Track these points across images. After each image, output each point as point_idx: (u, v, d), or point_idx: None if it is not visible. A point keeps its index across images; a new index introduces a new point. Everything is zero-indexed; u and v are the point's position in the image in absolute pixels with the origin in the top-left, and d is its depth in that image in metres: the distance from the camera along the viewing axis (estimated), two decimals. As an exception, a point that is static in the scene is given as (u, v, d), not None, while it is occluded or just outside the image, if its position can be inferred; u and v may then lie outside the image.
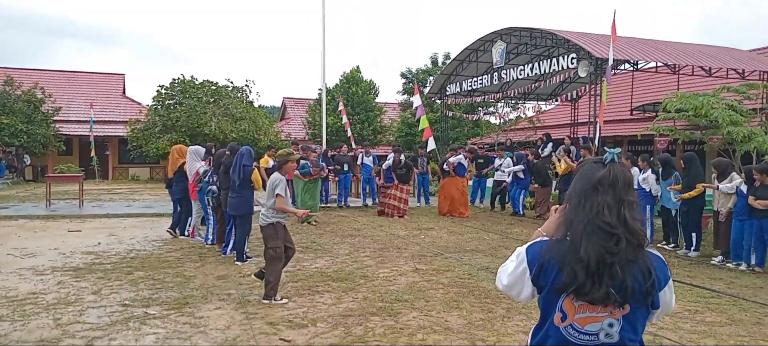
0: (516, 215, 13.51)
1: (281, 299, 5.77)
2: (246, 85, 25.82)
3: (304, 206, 10.72)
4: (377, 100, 27.81)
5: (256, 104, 26.68)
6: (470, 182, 15.35)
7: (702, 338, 4.89)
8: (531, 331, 1.94)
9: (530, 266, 1.80)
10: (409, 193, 13.05)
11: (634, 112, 19.27)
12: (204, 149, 9.36)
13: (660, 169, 9.69)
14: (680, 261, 8.53)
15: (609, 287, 1.65)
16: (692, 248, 8.97)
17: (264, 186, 11.35)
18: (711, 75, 14.57)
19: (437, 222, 12.05)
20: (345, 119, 20.30)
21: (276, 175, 5.94)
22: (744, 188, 7.94)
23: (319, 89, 21.71)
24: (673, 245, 9.52)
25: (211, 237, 8.79)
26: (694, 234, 8.98)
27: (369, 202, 14.94)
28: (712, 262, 8.39)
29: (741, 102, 10.72)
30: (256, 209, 12.21)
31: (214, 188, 8.37)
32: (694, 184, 8.75)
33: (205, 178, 8.61)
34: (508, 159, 14.34)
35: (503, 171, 14.15)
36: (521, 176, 13.59)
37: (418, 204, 15.21)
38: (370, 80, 27.74)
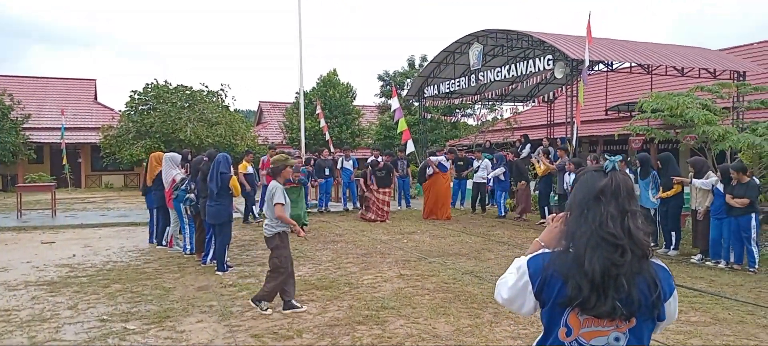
0: (500, 217, 13.58)
1: (267, 309, 5.64)
2: (221, 89, 25.50)
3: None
4: (355, 102, 27.72)
5: (231, 109, 26.35)
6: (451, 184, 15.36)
7: (688, 338, 4.92)
8: (534, 345, 1.88)
9: (532, 280, 1.75)
10: (390, 196, 12.98)
11: (608, 112, 19.53)
12: (180, 156, 9.16)
13: (638, 169, 9.80)
14: (661, 260, 8.62)
15: (615, 300, 1.61)
16: (672, 247, 9.10)
17: (244, 192, 11.28)
18: (683, 74, 14.84)
19: (419, 226, 12.01)
20: (323, 123, 20.16)
21: (273, 183, 5.73)
22: (720, 187, 8.08)
23: (296, 93, 21.59)
24: (653, 244, 9.61)
25: (189, 246, 8.60)
26: (673, 233, 9.11)
27: (350, 206, 14.84)
28: (692, 260, 8.51)
29: (714, 101, 10.92)
30: (235, 216, 12.02)
31: (192, 196, 8.20)
32: (671, 183, 8.88)
33: (181, 186, 8.42)
34: (487, 160, 14.39)
35: (484, 176, 14.18)
36: (502, 178, 13.65)
37: (399, 208, 15.17)
38: (348, 83, 27.66)
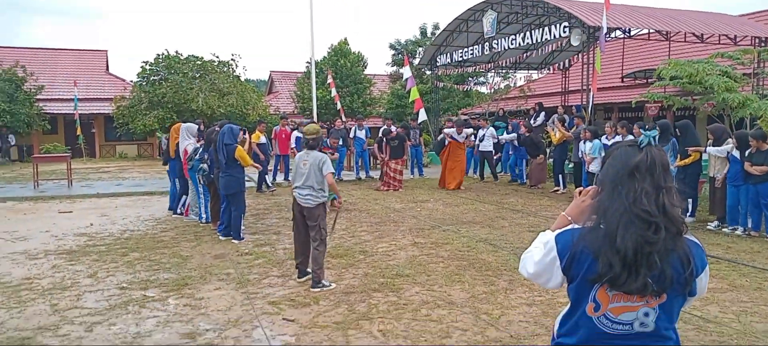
0: (515, 182, 13.58)
1: (331, 284, 5.52)
2: (232, 59, 25.41)
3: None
4: (366, 72, 27.50)
5: (242, 78, 26.27)
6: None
7: (705, 305, 4.90)
8: (558, 318, 1.86)
9: (561, 256, 1.72)
10: (403, 165, 12.95)
11: (624, 80, 19.23)
12: (196, 127, 9.20)
13: (658, 136, 9.67)
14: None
15: (646, 277, 1.58)
16: (688, 214, 9.01)
17: (257, 160, 11.26)
18: (703, 41, 14.52)
19: (432, 194, 12.00)
20: (334, 92, 20.07)
21: (318, 153, 5.56)
22: (736, 154, 7.95)
23: (307, 62, 21.45)
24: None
25: (204, 215, 8.68)
26: (690, 200, 9.01)
27: (362, 175, 14.85)
28: (709, 227, 8.44)
29: (734, 68, 10.69)
30: (249, 185, 12.07)
31: (205, 166, 8.23)
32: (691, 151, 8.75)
33: (195, 156, 8.45)
34: (491, 129, 14.31)
35: (489, 145, 14.07)
36: (517, 143, 13.58)
37: (412, 176, 15.15)
38: (359, 52, 27.39)
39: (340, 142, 14.06)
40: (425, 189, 12.87)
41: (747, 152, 7.75)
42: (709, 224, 8.56)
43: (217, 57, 25.12)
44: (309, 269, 5.68)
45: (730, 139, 8.39)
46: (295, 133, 12.93)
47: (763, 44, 12.83)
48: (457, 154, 12.95)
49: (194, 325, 4.57)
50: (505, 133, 14.86)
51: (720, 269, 6.05)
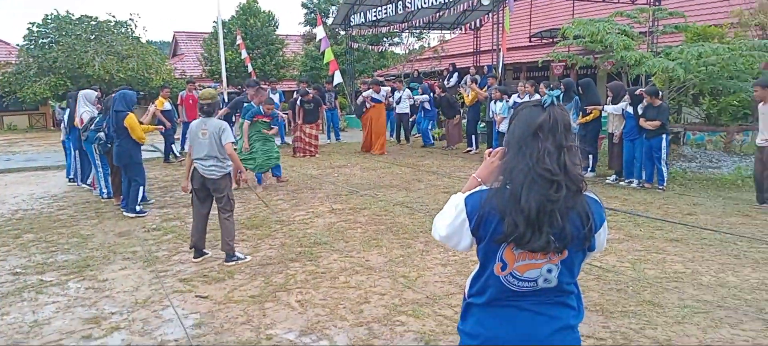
0: (426, 146, 13.69)
1: (247, 257, 5.33)
2: (130, 18, 23.71)
3: (264, 160, 8.65)
4: (278, 32, 26.60)
5: (143, 40, 24.65)
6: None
7: (605, 255, 5.23)
8: (469, 279, 1.89)
9: (470, 218, 1.74)
10: (318, 130, 12.75)
11: (532, 39, 19.89)
12: (95, 94, 8.52)
13: (562, 94, 10.10)
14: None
15: (549, 235, 1.63)
16: (589, 169, 9.57)
17: (168, 126, 10.61)
18: (605, 0, 15.22)
19: (350, 159, 11.95)
20: (244, 54, 19.29)
21: (216, 121, 5.23)
22: (631, 110, 8.48)
23: (214, 22, 20.37)
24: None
25: (106, 190, 8.13)
26: (590, 155, 9.55)
27: (278, 141, 14.47)
28: (607, 181, 9.02)
29: (632, 26, 11.29)
30: (155, 155, 11.36)
31: (102, 134, 7.65)
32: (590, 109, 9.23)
33: (91, 125, 7.83)
34: (407, 91, 14.34)
35: (406, 107, 14.08)
36: (428, 107, 13.69)
37: (329, 141, 14.99)
38: (269, 11, 26.37)
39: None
40: (343, 154, 12.78)
41: (641, 108, 8.28)
42: (608, 178, 9.14)
43: (114, 17, 23.39)
44: (206, 250, 5.42)
45: (627, 96, 8.93)
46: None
47: (657, 3, 13.63)
48: (380, 117, 12.87)
49: (98, 309, 4.29)
50: (410, 93, 14.94)
51: (618, 221, 6.49)
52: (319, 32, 17.29)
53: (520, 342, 1.74)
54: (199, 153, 5.16)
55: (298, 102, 12.01)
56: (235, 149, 5.60)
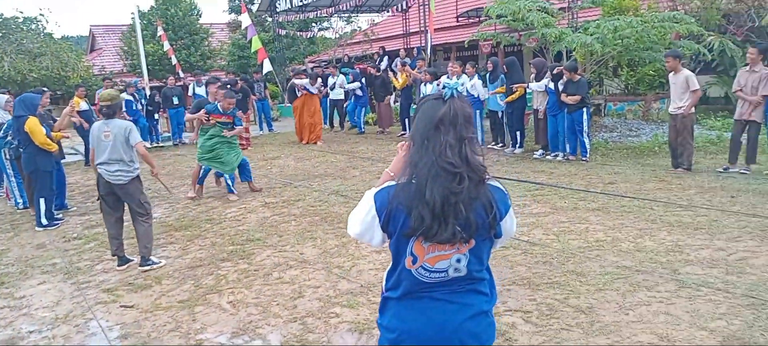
0: (361, 133, 13.66)
1: (160, 261, 5.13)
2: (41, 14, 22.26)
3: (226, 165, 7.49)
4: (202, 21, 25.67)
5: (57, 36, 23.21)
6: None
7: (531, 229, 5.42)
8: (385, 274, 1.91)
9: (379, 213, 1.75)
10: (249, 121, 12.44)
11: (459, 19, 20.15)
12: (5, 97, 7.94)
13: (487, 74, 10.31)
14: (508, 159, 9.35)
15: (455, 226, 1.65)
16: (517, 146, 9.86)
17: (81, 131, 10.02)
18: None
19: (283, 150, 11.75)
20: (167, 46, 18.54)
21: (120, 122, 4.95)
22: (552, 86, 8.78)
23: (132, 13, 19.41)
24: (501, 144, 10.37)
25: (21, 200, 7.62)
26: (518, 132, 9.84)
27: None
28: (535, 156, 9.31)
29: (551, 3, 11.63)
30: (76, 158, 10.72)
31: (15, 141, 7.14)
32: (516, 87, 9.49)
33: (-1, 131, 7.31)
34: (342, 76, 14.20)
35: (340, 93, 13.96)
36: (359, 93, 13.62)
37: (261, 132, 14.68)
38: (191, 0, 25.41)
39: (177, 102, 13.09)
40: (276, 145, 12.55)
41: (561, 84, 8.57)
42: (535, 153, 9.44)
43: (22, 13, 21.85)
44: (131, 257, 5.20)
45: (550, 72, 9.23)
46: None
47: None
48: (312, 104, 12.65)
49: (15, 328, 4.03)
50: (345, 80, 14.82)
51: (544, 195, 6.72)
52: (245, 20, 16.82)
53: (435, 331, 1.77)
54: (101, 157, 4.90)
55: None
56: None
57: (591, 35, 9.46)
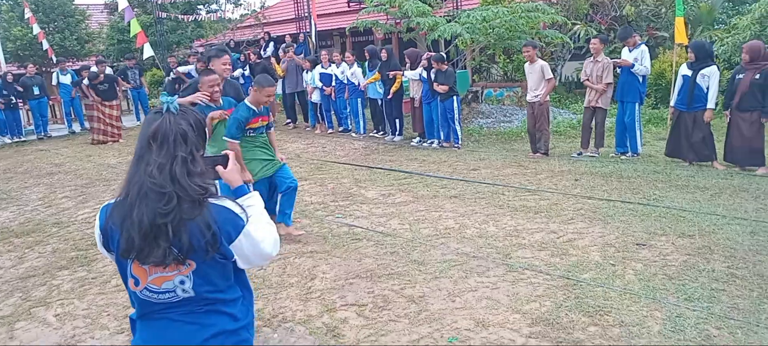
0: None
1: None
2: None
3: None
4: (77, 2, 23.71)
5: None
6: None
7: (388, 220, 5.53)
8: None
9: (102, 231, 1.70)
10: (119, 110, 11.70)
11: (350, 4, 20.08)
12: None
13: (367, 62, 10.38)
14: (386, 146, 9.51)
15: (166, 248, 1.60)
16: (396, 133, 10.04)
17: None
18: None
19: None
20: (37, 29, 16.97)
21: None
22: (425, 75, 9.01)
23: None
24: (381, 132, 10.51)
25: None
26: (397, 120, 10.02)
27: (77, 128, 13.08)
28: (412, 143, 9.54)
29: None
30: None
31: None
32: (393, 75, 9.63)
33: None
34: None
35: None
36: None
37: (138, 123, 13.88)
38: (64, -21, 23.36)
39: (37, 92, 12.05)
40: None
41: (433, 73, 8.81)
42: (413, 140, 9.67)
43: None
44: None
45: (424, 61, 9.44)
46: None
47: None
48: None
49: None
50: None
51: (410, 183, 6.89)
52: (121, 2, 15.73)
53: None
54: None
55: (85, 84, 10.85)
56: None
57: (462, 25, 9.78)
